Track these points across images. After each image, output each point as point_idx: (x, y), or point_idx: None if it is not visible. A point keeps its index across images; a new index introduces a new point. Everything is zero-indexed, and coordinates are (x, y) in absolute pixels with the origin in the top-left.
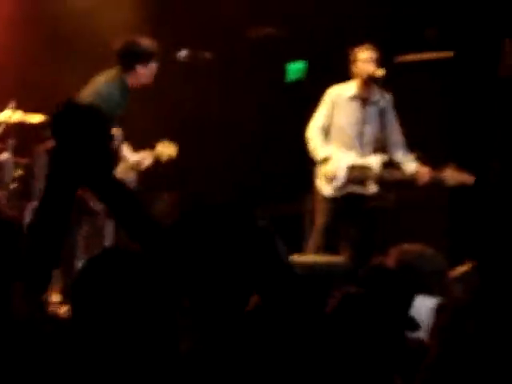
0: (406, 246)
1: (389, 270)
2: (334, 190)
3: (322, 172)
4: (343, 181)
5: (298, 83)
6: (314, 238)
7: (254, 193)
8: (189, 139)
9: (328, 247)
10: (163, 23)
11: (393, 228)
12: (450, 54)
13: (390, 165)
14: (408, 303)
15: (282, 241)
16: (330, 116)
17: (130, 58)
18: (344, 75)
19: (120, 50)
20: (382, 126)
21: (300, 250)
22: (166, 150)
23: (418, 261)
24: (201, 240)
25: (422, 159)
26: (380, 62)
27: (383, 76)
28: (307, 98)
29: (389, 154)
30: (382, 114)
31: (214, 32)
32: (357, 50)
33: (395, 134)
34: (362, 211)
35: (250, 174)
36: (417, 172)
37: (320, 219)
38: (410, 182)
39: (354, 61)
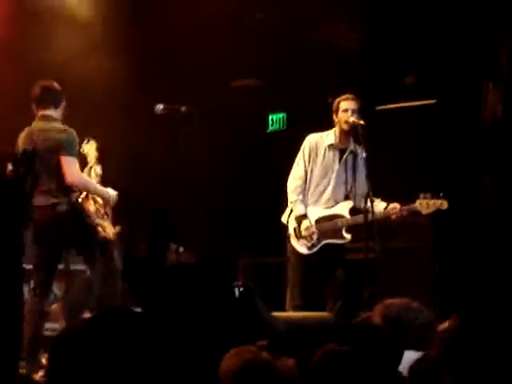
0: (391, 301)
1: (375, 326)
2: (309, 248)
3: (297, 230)
4: (316, 236)
5: (278, 133)
6: (291, 297)
7: (238, 244)
8: (168, 191)
9: (311, 304)
10: (144, 76)
11: (381, 279)
12: (431, 101)
13: (357, 211)
14: (396, 360)
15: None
16: (309, 163)
17: None
18: (324, 125)
19: None
20: (354, 176)
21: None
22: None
23: (404, 315)
24: (179, 298)
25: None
26: (361, 111)
27: (364, 126)
28: (288, 148)
29: (354, 202)
30: (355, 164)
31: (195, 83)
32: (338, 99)
33: (364, 184)
34: (340, 261)
35: (232, 226)
36: (387, 208)
37: (297, 277)
38: (383, 219)
39: (336, 110)
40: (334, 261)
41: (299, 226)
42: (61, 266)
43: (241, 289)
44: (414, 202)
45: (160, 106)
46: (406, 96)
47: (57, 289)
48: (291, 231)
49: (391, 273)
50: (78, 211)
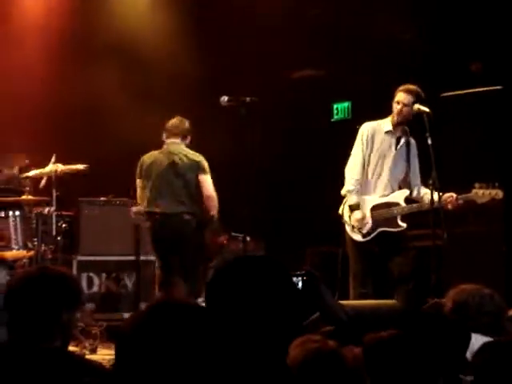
0: (463, 286)
1: (440, 314)
2: (364, 236)
3: (350, 220)
4: (370, 225)
5: (343, 122)
6: (353, 285)
7: (304, 233)
8: (232, 184)
9: (375, 292)
10: (208, 69)
11: (448, 267)
12: (496, 87)
13: (412, 201)
14: (463, 346)
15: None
16: (366, 151)
17: None
18: (389, 114)
19: None
20: (409, 164)
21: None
22: None
23: (472, 300)
24: (242, 289)
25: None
26: (423, 100)
27: (429, 114)
28: (353, 137)
29: (410, 190)
30: (409, 153)
31: (259, 75)
32: (397, 90)
33: (417, 174)
34: (397, 249)
35: (298, 214)
36: (443, 197)
37: (356, 266)
38: (440, 208)
39: (393, 99)
40: (390, 248)
41: (350, 215)
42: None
43: (305, 277)
44: (470, 191)
45: (225, 98)
46: (472, 83)
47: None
48: (346, 219)
49: (459, 258)
50: None
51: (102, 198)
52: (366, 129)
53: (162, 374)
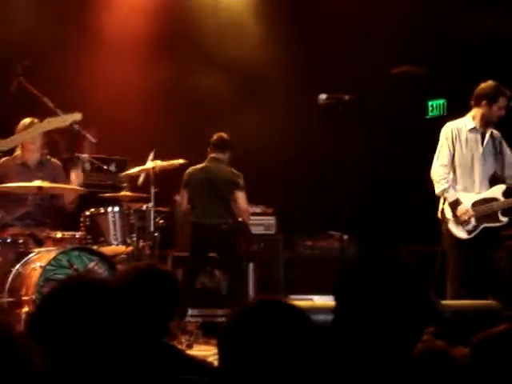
0: None
1: None
2: (469, 232)
3: (454, 216)
4: (474, 222)
5: (438, 119)
6: (452, 286)
7: (398, 231)
8: (329, 182)
9: (472, 294)
10: (306, 66)
11: None
12: None
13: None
14: None
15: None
16: (453, 150)
17: None
18: None
19: None
20: (499, 158)
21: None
22: None
23: None
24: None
25: None
26: None
27: None
28: None
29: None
30: (496, 147)
31: (355, 71)
32: (497, 90)
33: (510, 166)
34: (498, 245)
35: (393, 212)
36: None
37: (458, 267)
38: None
39: (492, 97)
40: (492, 244)
41: (454, 211)
42: None
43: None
44: None
45: (323, 96)
46: None
47: None
48: (449, 217)
49: None
50: None
51: None
52: (449, 128)
53: (269, 374)
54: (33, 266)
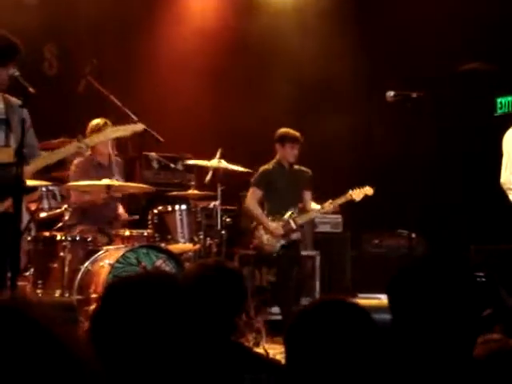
0: None
1: None
2: None
3: None
4: None
5: (507, 117)
6: None
7: (468, 231)
8: (398, 180)
9: None
10: (375, 65)
11: None
12: None
13: None
14: None
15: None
16: None
17: None
18: None
19: None
20: None
21: None
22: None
23: None
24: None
25: None
26: None
27: None
28: None
29: None
30: None
31: (424, 69)
32: None
33: None
34: None
35: (462, 211)
36: None
37: None
38: None
39: None
40: None
41: None
42: None
43: (483, 279)
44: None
45: (391, 93)
46: None
47: None
48: None
49: None
50: None
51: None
52: None
53: (333, 372)
54: (101, 263)
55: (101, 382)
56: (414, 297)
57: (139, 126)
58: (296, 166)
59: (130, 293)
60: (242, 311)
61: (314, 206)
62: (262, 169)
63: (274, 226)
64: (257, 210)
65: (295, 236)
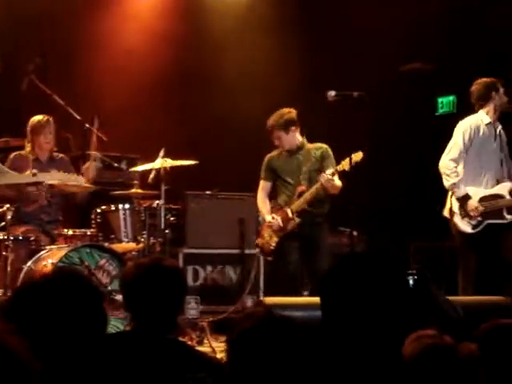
0: None
1: None
2: (473, 227)
3: (460, 210)
4: (479, 217)
5: (447, 116)
6: (464, 283)
7: (408, 227)
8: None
9: (483, 288)
10: (315, 64)
11: None
12: None
13: None
14: None
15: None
16: (465, 146)
17: None
18: None
19: None
20: (505, 154)
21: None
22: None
23: None
24: (355, 286)
25: None
26: None
27: None
28: None
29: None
30: (501, 142)
31: (364, 68)
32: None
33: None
34: (499, 241)
35: (402, 209)
36: None
37: (468, 262)
38: None
39: (497, 89)
40: (497, 240)
41: (463, 205)
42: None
43: (415, 276)
44: None
45: (332, 93)
46: None
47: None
48: (456, 210)
49: None
50: None
51: (207, 192)
52: (468, 124)
53: (274, 370)
54: (44, 263)
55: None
56: (342, 295)
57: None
58: (310, 145)
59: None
60: (182, 309)
61: None
62: (265, 158)
63: (269, 217)
64: (261, 202)
65: (290, 225)
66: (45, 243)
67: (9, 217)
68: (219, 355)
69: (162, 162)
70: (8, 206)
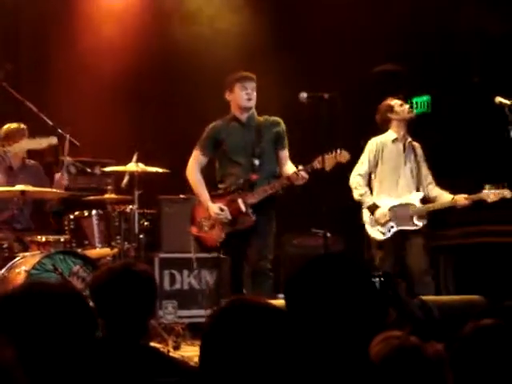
0: None
1: None
2: (383, 234)
3: (371, 218)
4: (391, 223)
5: (422, 116)
6: None
7: None
8: (312, 181)
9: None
10: (287, 66)
11: None
12: None
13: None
14: None
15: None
16: (374, 161)
17: None
18: (468, 107)
19: None
20: (416, 167)
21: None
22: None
23: None
24: (322, 287)
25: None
26: None
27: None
28: (432, 131)
29: (424, 191)
30: (416, 156)
31: (336, 70)
32: (390, 99)
33: (426, 175)
34: (415, 246)
35: None
36: (453, 199)
37: (383, 264)
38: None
39: (391, 111)
40: (406, 245)
41: (373, 214)
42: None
43: (381, 278)
44: (480, 191)
45: (304, 95)
46: None
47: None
48: (366, 219)
49: None
50: None
51: (181, 196)
52: (374, 142)
53: (245, 373)
54: (17, 270)
55: None
56: (308, 297)
57: (53, 139)
58: (260, 117)
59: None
60: (153, 313)
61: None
62: (209, 126)
63: (213, 207)
64: (197, 180)
65: (245, 222)
66: (18, 250)
67: None
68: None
69: (134, 167)
70: None
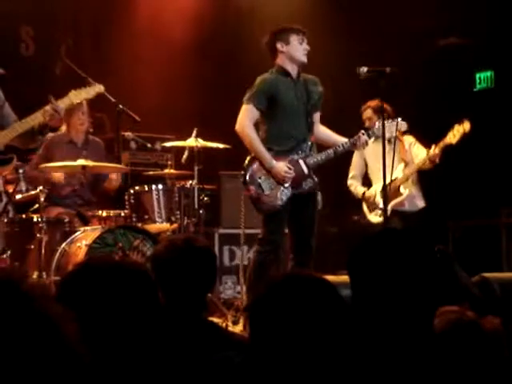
0: None
1: None
2: (381, 215)
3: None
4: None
5: (485, 92)
6: None
7: (448, 206)
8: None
9: None
10: (345, 39)
11: None
12: None
13: None
14: None
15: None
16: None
17: None
18: None
19: None
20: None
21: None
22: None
23: None
24: (386, 260)
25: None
26: None
27: None
28: (496, 107)
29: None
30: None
31: (400, 43)
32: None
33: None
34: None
35: (439, 188)
36: (428, 155)
37: None
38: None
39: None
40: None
41: (367, 201)
42: None
43: (438, 255)
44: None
45: (364, 69)
46: None
47: None
48: (365, 210)
49: None
50: None
51: (242, 172)
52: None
53: (298, 348)
54: (78, 244)
55: (87, 366)
56: (372, 271)
57: (100, 87)
58: (305, 75)
59: (101, 273)
60: (212, 289)
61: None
62: (259, 79)
63: (280, 166)
64: (255, 137)
65: (308, 185)
66: (78, 225)
67: (42, 199)
68: None
69: (194, 142)
70: (41, 188)
